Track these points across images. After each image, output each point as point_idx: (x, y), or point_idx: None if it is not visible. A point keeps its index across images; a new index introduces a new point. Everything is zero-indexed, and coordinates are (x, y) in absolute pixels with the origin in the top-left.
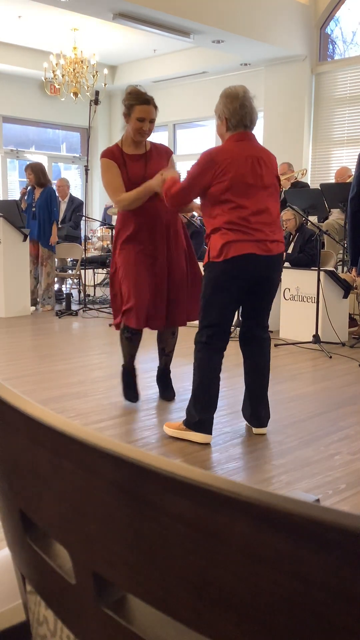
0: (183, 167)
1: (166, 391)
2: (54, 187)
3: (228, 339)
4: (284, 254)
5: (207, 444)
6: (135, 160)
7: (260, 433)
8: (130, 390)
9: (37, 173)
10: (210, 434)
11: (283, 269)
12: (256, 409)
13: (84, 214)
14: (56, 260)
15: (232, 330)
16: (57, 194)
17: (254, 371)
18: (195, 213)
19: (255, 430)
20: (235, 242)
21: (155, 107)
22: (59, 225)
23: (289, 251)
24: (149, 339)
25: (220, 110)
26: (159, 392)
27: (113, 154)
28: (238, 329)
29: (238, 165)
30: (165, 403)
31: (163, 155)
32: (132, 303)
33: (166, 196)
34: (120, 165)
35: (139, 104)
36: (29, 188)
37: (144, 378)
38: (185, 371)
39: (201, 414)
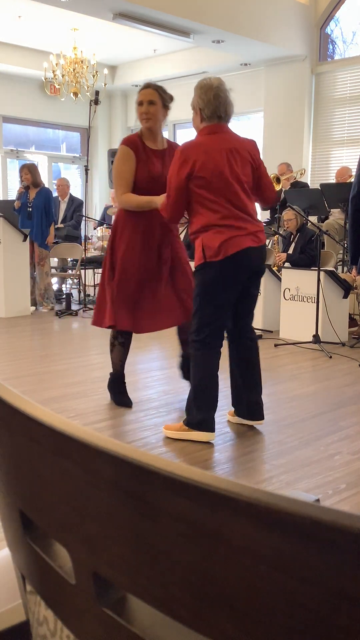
0: None
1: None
2: (50, 187)
3: (223, 337)
4: (286, 254)
5: (208, 444)
6: (156, 156)
7: (259, 424)
8: (124, 396)
9: (34, 173)
10: (213, 431)
11: (283, 269)
12: (256, 401)
13: (84, 214)
14: (56, 260)
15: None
16: (55, 194)
17: (248, 366)
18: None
19: (255, 423)
20: (233, 239)
21: (157, 90)
22: (59, 225)
23: (290, 251)
24: (148, 339)
25: (195, 101)
26: (184, 374)
27: (135, 144)
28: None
29: (214, 160)
30: (165, 403)
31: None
32: (125, 307)
33: (162, 210)
34: (141, 155)
35: (140, 91)
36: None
37: (143, 378)
38: None
39: (203, 414)
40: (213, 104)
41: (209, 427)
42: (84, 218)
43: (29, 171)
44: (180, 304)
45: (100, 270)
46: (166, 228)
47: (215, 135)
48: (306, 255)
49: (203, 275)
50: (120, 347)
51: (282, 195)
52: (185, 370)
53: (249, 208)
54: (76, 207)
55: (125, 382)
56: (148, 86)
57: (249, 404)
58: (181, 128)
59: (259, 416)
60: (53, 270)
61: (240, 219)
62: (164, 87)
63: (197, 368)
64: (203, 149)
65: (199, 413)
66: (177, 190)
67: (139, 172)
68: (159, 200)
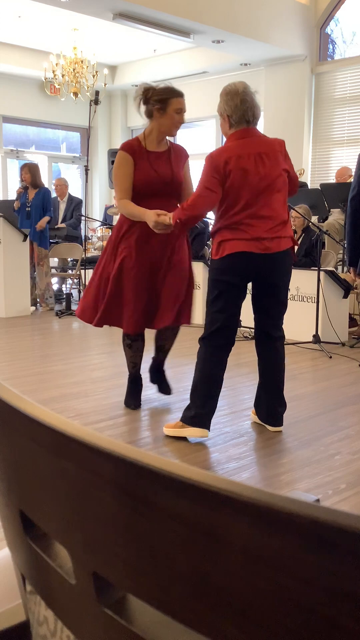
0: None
1: (164, 384)
2: (49, 187)
3: (232, 337)
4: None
5: (208, 443)
6: (161, 159)
7: (276, 431)
8: (131, 398)
9: (33, 173)
10: (207, 428)
11: None
12: (273, 407)
13: (84, 214)
14: (56, 260)
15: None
16: (54, 194)
17: (268, 368)
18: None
19: (271, 428)
20: (230, 241)
21: None
22: (60, 225)
23: None
24: (147, 339)
25: (222, 108)
26: (157, 387)
27: (133, 149)
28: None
29: (242, 164)
30: (165, 403)
31: (181, 157)
32: (130, 309)
33: (183, 209)
34: (142, 160)
35: (176, 97)
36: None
37: (143, 378)
38: (185, 371)
39: (199, 409)
40: (240, 109)
41: (203, 423)
42: (83, 218)
43: (29, 171)
44: (171, 307)
45: None
46: (176, 237)
47: (245, 140)
48: (310, 259)
49: (210, 271)
50: (127, 349)
51: None
52: (153, 372)
53: (274, 212)
54: (75, 205)
55: (136, 384)
56: (184, 95)
57: (267, 408)
58: (181, 128)
59: (277, 423)
60: (53, 270)
61: (250, 224)
62: None
63: (199, 363)
64: (232, 153)
65: (194, 408)
66: (208, 182)
67: (140, 175)
68: (152, 216)
